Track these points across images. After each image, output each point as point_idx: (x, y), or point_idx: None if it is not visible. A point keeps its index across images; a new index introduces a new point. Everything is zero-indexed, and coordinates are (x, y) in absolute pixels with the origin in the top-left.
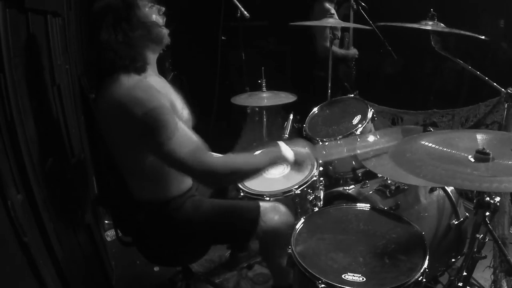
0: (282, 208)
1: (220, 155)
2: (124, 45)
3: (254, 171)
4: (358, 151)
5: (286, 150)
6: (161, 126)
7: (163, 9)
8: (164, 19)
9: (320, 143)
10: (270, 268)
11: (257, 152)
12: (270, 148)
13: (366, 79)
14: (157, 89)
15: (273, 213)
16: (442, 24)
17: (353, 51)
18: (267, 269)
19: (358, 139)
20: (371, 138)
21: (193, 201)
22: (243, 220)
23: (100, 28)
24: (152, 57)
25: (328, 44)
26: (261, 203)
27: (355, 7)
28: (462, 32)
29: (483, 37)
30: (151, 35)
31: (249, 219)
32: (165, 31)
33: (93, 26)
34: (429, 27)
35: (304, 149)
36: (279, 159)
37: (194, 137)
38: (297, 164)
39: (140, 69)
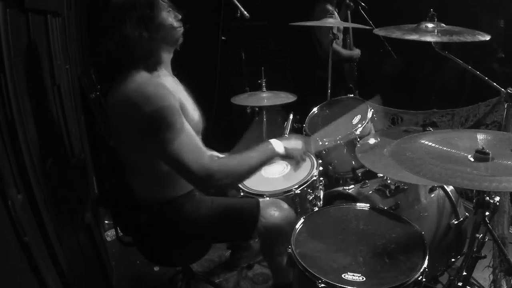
0: (282, 204)
1: (218, 154)
2: (143, 42)
3: (249, 171)
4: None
5: (277, 145)
6: (167, 126)
7: (180, 16)
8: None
9: (320, 143)
10: (270, 266)
11: (250, 152)
12: (262, 146)
13: (367, 79)
14: (168, 88)
15: (273, 209)
16: (443, 24)
17: (357, 51)
18: (267, 269)
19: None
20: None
21: (193, 200)
22: (243, 217)
23: (123, 22)
24: (167, 57)
25: (332, 45)
26: (261, 200)
27: (352, 5)
28: (463, 39)
29: (487, 38)
30: (168, 37)
31: (249, 216)
32: (180, 33)
33: (114, 18)
34: (430, 38)
35: (295, 141)
36: (273, 155)
37: (198, 142)
38: (289, 158)
39: (152, 67)
